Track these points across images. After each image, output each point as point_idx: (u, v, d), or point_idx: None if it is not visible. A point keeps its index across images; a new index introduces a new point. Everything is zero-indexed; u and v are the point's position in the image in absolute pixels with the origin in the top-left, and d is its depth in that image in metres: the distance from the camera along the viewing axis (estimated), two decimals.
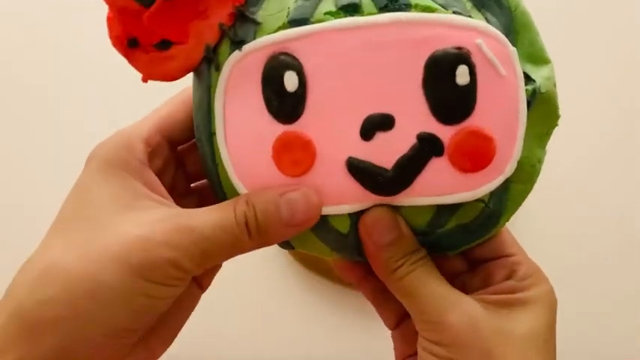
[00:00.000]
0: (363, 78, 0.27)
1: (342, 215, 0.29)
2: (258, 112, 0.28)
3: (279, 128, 0.27)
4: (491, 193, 0.29)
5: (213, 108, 0.28)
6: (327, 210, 0.28)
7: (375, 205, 0.29)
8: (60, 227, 0.28)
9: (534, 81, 0.28)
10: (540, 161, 0.29)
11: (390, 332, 0.35)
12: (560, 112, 0.29)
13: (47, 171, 0.63)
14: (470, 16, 0.27)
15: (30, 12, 0.68)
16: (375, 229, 0.29)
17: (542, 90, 0.28)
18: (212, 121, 0.29)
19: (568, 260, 0.59)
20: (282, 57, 0.27)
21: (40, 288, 0.25)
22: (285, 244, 0.31)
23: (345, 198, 0.28)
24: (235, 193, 0.29)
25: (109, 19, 0.28)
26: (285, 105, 0.27)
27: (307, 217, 0.28)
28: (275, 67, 0.27)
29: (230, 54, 0.28)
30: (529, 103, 0.28)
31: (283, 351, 0.60)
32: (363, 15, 0.27)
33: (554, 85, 0.29)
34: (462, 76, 0.27)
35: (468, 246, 0.30)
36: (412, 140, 0.27)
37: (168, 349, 0.30)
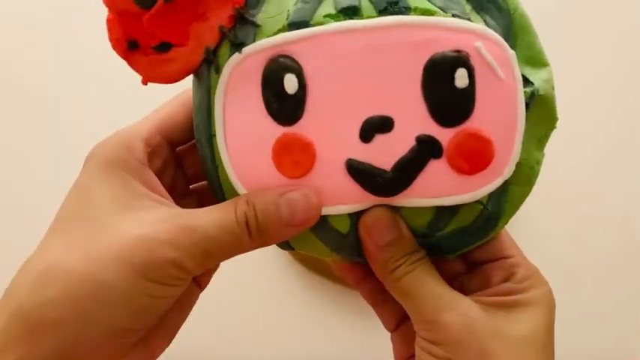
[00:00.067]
0: (362, 80, 0.27)
1: (342, 215, 0.29)
2: (258, 114, 0.28)
3: (279, 130, 0.28)
4: (490, 195, 0.29)
5: (213, 110, 0.28)
6: (326, 210, 0.28)
7: (375, 206, 0.29)
8: (60, 227, 0.28)
9: (533, 83, 0.28)
10: (539, 163, 0.29)
11: (389, 333, 0.35)
12: (559, 114, 0.29)
13: (47, 171, 0.63)
14: (469, 19, 0.27)
15: (30, 12, 0.68)
16: (375, 228, 0.29)
17: (541, 92, 0.28)
18: (212, 122, 0.29)
19: (569, 260, 0.59)
20: (282, 59, 0.27)
21: (41, 288, 0.26)
22: (285, 245, 0.31)
23: (345, 199, 0.28)
24: (235, 195, 0.29)
25: (108, 21, 0.28)
26: (285, 107, 0.27)
27: (307, 217, 0.28)
28: (275, 70, 0.27)
29: (230, 56, 0.28)
30: (527, 106, 0.28)
31: (283, 351, 0.60)
32: (362, 18, 0.27)
33: (553, 88, 0.29)
34: (460, 78, 0.27)
35: (467, 249, 0.30)
36: (411, 142, 0.27)
37: (168, 350, 0.30)
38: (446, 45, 0.27)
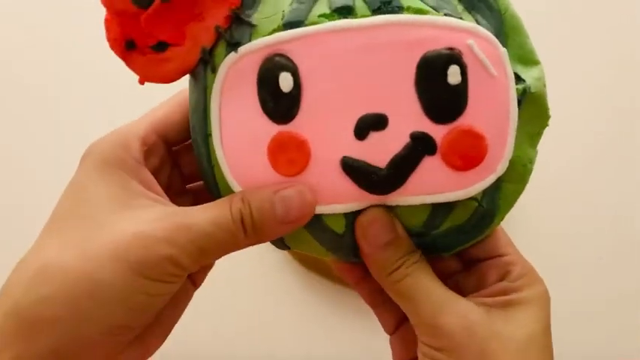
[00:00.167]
0: (356, 79, 0.27)
1: (338, 215, 0.29)
2: (254, 113, 0.28)
3: (274, 128, 0.28)
4: (484, 192, 0.29)
5: (209, 109, 0.29)
6: (322, 209, 0.28)
7: (372, 206, 0.29)
8: (56, 226, 0.28)
9: (524, 81, 0.29)
10: (532, 161, 0.30)
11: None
12: (551, 112, 0.30)
13: (47, 171, 0.63)
14: (461, 18, 0.28)
15: (30, 12, 0.69)
16: (371, 229, 0.29)
17: (533, 90, 0.29)
18: (208, 122, 0.29)
19: (562, 259, 0.59)
20: (277, 58, 0.27)
21: (37, 287, 0.26)
22: (281, 245, 0.31)
23: (340, 197, 0.28)
24: (231, 194, 0.29)
25: (106, 21, 0.28)
26: (281, 105, 0.28)
27: (302, 214, 0.28)
28: (270, 69, 0.27)
29: (226, 56, 0.28)
30: (519, 103, 0.28)
31: (282, 351, 0.60)
32: (356, 17, 0.27)
33: (544, 86, 0.29)
34: (453, 75, 0.27)
35: (463, 247, 0.31)
36: (405, 139, 0.27)
37: (168, 350, 0.31)
38: (438, 43, 0.27)
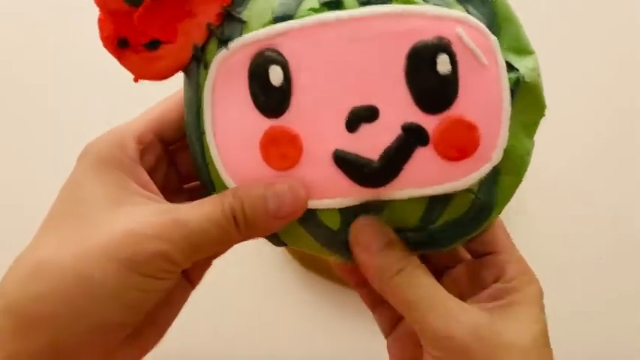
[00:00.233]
0: (346, 71, 0.27)
1: (332, 211, 0.29)
2: (246, 108, 0.28)
3: (266, 123, 0.28)
4: (481, 184, 0.28)
5: (202, 106, 0.29)
6: (315, 204, 0.28)
7: (363, 214, 0.29)
8: (52, 224, 0.28)
9: (518, 70, 0.28)
10: (529, 153, 0.29)
11: None
12: (552, 115, 0.29)
13: (47, 171, 0.63)
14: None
15: (30, 12, 0.69)
16: (364, 235, 0.29)
17: (527, 79, 0.28)
18: (201, 119, 0.29)
19: (562, 259, 0.59)
20: (267, 52, 0.27)
21: (33, 284, 0.26)
22: (277, 241, 0.31)
23: (333, 191, 0.28)
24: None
25: (100, 20, 0.29)
26: (271, 99, 0.28)
27: (294, 208, 0.28)
28: (260, 63, 0.27)
29: (217, 52, 0.28)
30: (513, 92, 0.28)
31: (282, 351, 0.60)
32: (345, 10, 0.27)
33: (539, 76, 0.29)
34: (442, 64, 0.27)
35: (461, 241, 0.30)
36: (397, 131, 0.27)
37: (167, 349, 0.31)
38: (428, 33, 0.27)
